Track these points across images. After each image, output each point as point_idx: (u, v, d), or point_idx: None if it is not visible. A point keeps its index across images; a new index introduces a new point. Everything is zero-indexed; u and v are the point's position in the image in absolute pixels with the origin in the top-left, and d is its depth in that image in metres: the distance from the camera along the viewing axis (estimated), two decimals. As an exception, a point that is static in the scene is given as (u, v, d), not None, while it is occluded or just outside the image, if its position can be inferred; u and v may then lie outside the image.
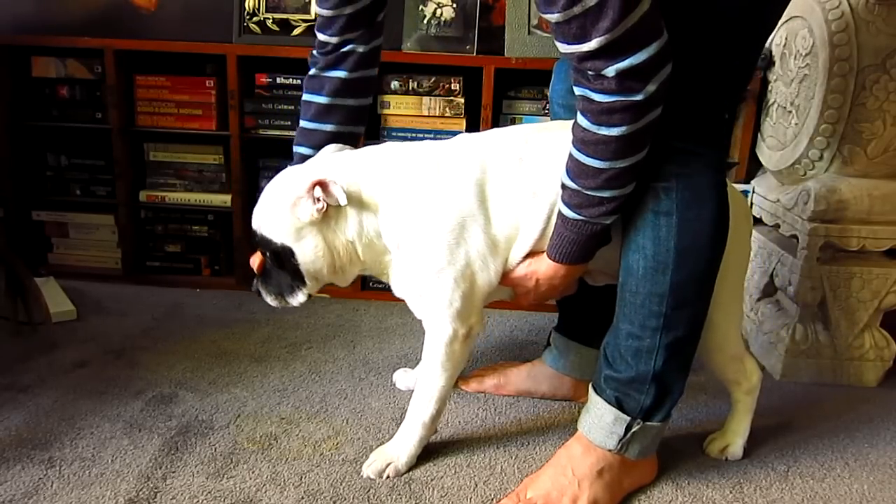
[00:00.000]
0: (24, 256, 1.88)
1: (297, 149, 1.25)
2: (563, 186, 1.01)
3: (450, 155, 1.12)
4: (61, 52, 1.88)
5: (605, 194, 0.97)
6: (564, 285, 1.12)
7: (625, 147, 0.93)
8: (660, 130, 0.96)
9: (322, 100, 1.21)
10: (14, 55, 1.89)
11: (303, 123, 1.24)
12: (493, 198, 1.09)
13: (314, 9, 1.84)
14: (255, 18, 1.86)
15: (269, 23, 1.86)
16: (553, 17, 0.86)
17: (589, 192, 0.98)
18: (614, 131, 0.92)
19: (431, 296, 1.10)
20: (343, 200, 1.05)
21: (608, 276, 1.23)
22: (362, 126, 1.26)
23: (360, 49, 1.20)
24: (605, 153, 0.94)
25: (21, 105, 1.92)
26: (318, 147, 1.20)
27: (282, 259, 1.12)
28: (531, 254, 1.10)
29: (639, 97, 0.89)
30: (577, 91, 0.93)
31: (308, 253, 1.11)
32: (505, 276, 1.12)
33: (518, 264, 1.11)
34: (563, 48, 0.89)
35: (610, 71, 0.87)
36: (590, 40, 0.85)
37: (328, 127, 1.22)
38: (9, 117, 1.91)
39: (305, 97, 1.23)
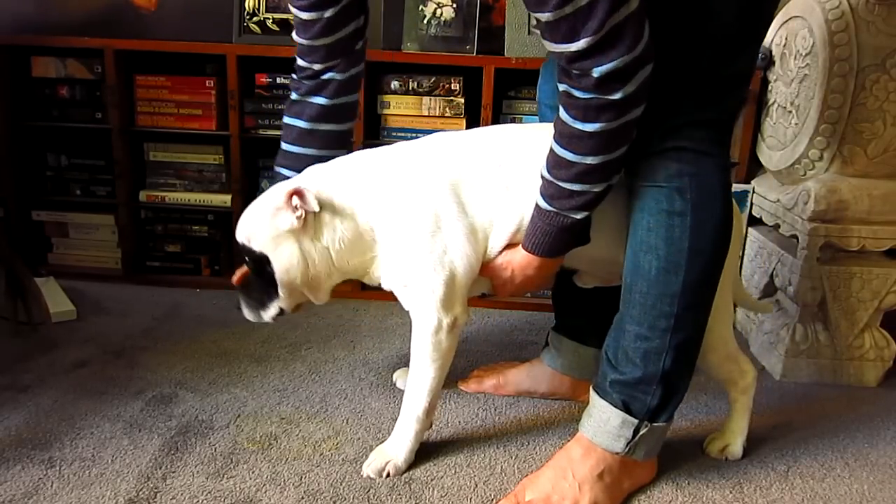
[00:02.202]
0: (24, 256, 1.88)
1: (279, 170, 1.27)
2: (542, 177, 1.04)
3: (421, 151, 1.15)
4: (61, 52, 1.88)
5: (575, 188, 0.99)
6: (539, 278, 1.13)
7: (600, 144, 0.95)
8: (674, 133, 0.97)
9: (303, 125, 1.23)
10: (14, 55, 1.89)
11: (285, 146, 1.26)
12: (466, 190, 1.11)
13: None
14: (255, 18, 1.86)
15: (269, 23, 1.86)
16: (544, 17, 0.87)
17: (560, 184, 1.00)
18: (590, 127, 0.94)
19: (415, 285, 1.11)
20: (315, 206, 1.08)
21: (596, 278, 1.24)
22: (345, 150, 1.27)
23: (339, 77, 1.21)
24: (580, 147, 0.96)
25: (21, 105, 1.92)
26: (299, 169, 1.21)
27: (260, 268, 1.15)
28: (509, 246, 1.12)
29: (618, 96, 0.91)
30: (561, 87, 0.95)
31: (283, 261, 1.13)
32: (483, 266, 1.14)
33: (497, 255, 1.13)
34: (552, 47, 0.91)
35: (595, 72, 0.88)
36: (578, 40, 0.86)
37: (310, 151, 1.24)
38: (9, 117, 1.91)
39: (287, 120, 1.25)
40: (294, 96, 1.25)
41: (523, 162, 1.10)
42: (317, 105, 1.23)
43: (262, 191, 1.88)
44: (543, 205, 1.04)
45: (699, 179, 1.01)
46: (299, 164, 1.23)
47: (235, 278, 1.21)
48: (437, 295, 1.11)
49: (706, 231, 1.02)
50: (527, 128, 1.19)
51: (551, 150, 1.01)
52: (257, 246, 1.14)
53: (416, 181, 1.11)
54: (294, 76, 1.25)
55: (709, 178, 1.02)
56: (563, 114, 0.96)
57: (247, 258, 1.17)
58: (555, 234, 1.05)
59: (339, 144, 1.26)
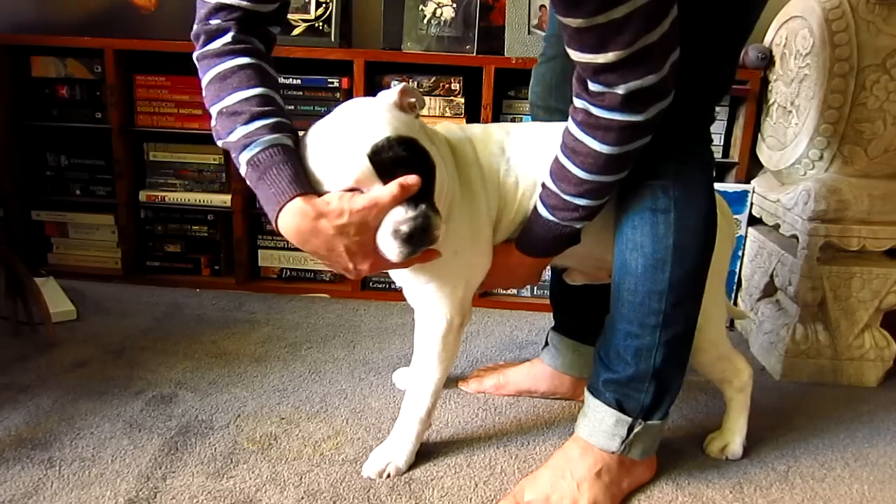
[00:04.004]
0: (24, 256, 1.87)
1: (272, 121, 0.92)
2: (543, 185, 1.03)
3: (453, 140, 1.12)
4: (61, 52, 1.88)
5: (581, 202, 0.99)
6: (527, 275, 1.14)
7: (613, 163, 0.95)
8: (659, 130, 0.96)
9: (266, 68, 0.97)
10: (14, 55, 1.89)
11: (253, 91, 0.92)
12: (491, 186, 1.09)
13: (314, 9, 1.84)
14: (255, 18, 1.85)
15: (269, 23, 1.86)
16: (575, 23, 0.83)
17: (566, 197, 1.00)
18: (606, 148, 0.92)
19: (439, 281, 1.09)
20: (423, 102, 0.99)
21: (585, 275, 1.24)
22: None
23: (275, 32, 1.02)
24: (593, 166, 0.95)
25: (21, 105, 1.92)
26: (292, 130, 0.95)
27: (427, 168, 0.92)
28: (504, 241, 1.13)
29: (639, 118, 0.89)
30: (578, 103, 0.93)
31: (438, 158, 0.96)
32: None
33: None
34: (577, 56, 0.87)
35: (620, 88, 0.86)
36: (607, 52, 0.83)
37: (279, 99, 0.98)
38: (9, 117, 1.91)
39: (247, 60, 0.94)
40: (229, 37, 0.94)
41: (534, 161, 1.09)
42: (262, 52, 0.97)
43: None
44: (545, 213, 1.03)
45: (683, 177, 1.02)
46: (282, 115, 0.94)
47: (412, 180, 0.89)
48: (458, 295, 1.10)
49: (690, 227, 1.02)
50: (535, 127, 1.17)
51: (559, 163, 0.99)
52: (416, 136, 0.93)
53: (466, 175, 1.07)
54: (211, 20, 0.94)
55: (692, 175, 1.03)
56: (577, 131, 0.94)
57: (404, 156, 0.89)
58: (550, 240, 1.06)
59: None
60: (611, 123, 0.90)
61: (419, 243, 0.91)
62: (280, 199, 0.89)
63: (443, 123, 1.15)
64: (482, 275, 1.12)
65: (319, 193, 0.91)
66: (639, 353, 1.05)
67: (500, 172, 1.09)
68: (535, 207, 1.05)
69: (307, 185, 0.90)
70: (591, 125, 0.92)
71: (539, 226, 1.05)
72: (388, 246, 0.90)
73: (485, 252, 1.10)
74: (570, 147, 0.96)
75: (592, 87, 0.89)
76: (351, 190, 0.89)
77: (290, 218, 0.89)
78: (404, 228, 0.88)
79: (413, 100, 0.97)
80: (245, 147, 0.90)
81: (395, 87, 0.96)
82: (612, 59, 0.84)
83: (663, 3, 0.83)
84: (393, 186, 0.88)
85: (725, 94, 1.13)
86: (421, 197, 0.90)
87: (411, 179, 0.88)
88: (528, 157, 1.10)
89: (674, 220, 1.01)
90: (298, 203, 0.88)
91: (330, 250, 0.91)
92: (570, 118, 0.96)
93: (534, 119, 1.31)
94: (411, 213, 0.89)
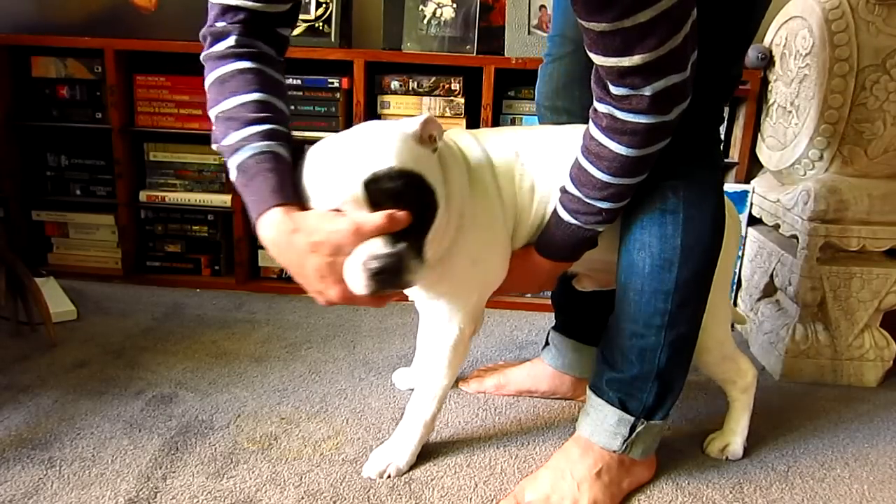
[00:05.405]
0: (24, 256, 1.87)
1: (265, 127, 0.92)
2: (564, 190, 1.03)
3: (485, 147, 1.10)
4: (61, 52, 1.88)
5: (605, 205, 0.99)
6: (544, 279, 1.14)
7: (636, 166, 0.94)
8: None
9: (270, 72, 0.96)
10: (14, 55, 1.89)
11: (257, 95, 0.93)
12: (506, 194, 1.09)
13: (314, 9, 1.84)
14: (255, 18, 1.85)
15: (269, 23, 1.86)
16: (599, 27, 0.82)
17: (589, 201, 0.99)
18: (631, 151, 0.92)
19: (455, 291, 1.08)
20: (442, 132, 0.97)
21: (594, 280, 1.24)
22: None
23: (286, 34, 1.00)
24: (618, 170, 0.94)
25: (21, 105, 1.92)
26: (287, 128, 0.94)
27: (423, 204, 0.89)
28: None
29: (664, 118, 0.88)
30: (601, 108, 0.92)
31: (441, 194, 0.92)
32: None
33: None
34: (600, 60, 0.86)
35: (647, 90, 0.85)
36: (633, 55, 0.82)
37: (283, 106, 0.98)
38: (9, 117, 1.91)
39: (247, 64, 0.94)
40: (232, 40, 0.94)
41: (549, 166, 1.09)
42: (268, 56, 0.96)
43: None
44: (567, 218, 1.03)
45: (691, 177, 1.02)
46: (280, 122, 0.94)
47: (401, 215, 0.86)
48: (473, 302, 1.10)
49: (698, 228, 1.02)
50: (548, 130, 1.16)
51: (581, 167, 0.98)
52: (425, 172, 0.90)
53: (481, 184, 1.06)
54: (218, 23, 0.95)
55: (701, 175, 1.04)
56: (601, 136, 0.93)
57: (403, 191, 0.87)
58: (572, 244, 1.05)
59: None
60: (637, 127, 0.89)
61: (387, 283, 0.86)
62: (260, 207, 0.88)
63: (453, 129, 1.14)
64: (497, 283, 1.12)
65: (305, 208, 0.89)
66: (643, 353, 1.05)
67: (516, 178, 1.09)
68: (555, 211, 1.05)
69: (291, 196, 0.88)
70: (616, 130, 0.91)
71: (560, 230, 1.04)
72: (354, 277, 0.86)
73: (502, 259, 1.10)
74: (594, 152, 0.95)
75: (616, 90, 0.87)
76: (337, 211, 0.87)
77: (267, 228, 0.88)
78: (374, 264, 0.84)
79: (434, 132, 0.94)
80: (236, 151, 0.90)
81: (420, 117, 0.93)
82: (638, 63, 0.82)
83: (686, 5, 0.82)
84: (379, 216, 0.84)
85: (732, 94, 1.13)
86: (408, 236, 0.86)
87: (400, 214, 0.85)
88: (542, 161, 1.09)
89: (682, 221, 1.01)
90: (277, 214, 0.87)
91: (300, 267, 0.88)
92: (591, 123, 0.95)
93: (540, 119, 1.31)
94: (387, 250, 0.84)
